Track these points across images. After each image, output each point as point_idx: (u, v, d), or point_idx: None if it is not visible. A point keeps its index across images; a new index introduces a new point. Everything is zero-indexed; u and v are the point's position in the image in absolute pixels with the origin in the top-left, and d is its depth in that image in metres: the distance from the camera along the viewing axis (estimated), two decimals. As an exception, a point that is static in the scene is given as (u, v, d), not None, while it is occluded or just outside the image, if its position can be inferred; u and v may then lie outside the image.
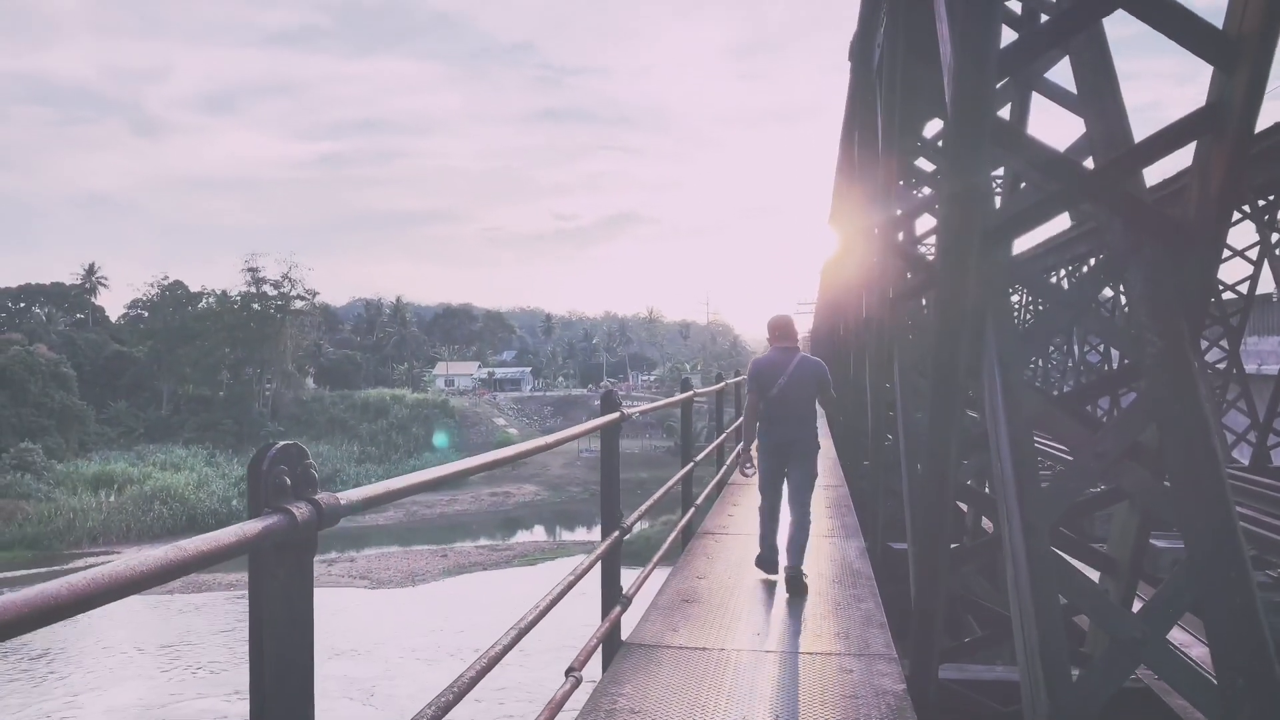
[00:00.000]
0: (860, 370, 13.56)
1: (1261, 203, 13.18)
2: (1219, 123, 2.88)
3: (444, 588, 36.37)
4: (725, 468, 11.01)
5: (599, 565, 4.64)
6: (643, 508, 5.51)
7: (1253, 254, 15.32)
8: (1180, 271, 3.09)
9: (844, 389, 18.17)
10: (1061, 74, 4.02)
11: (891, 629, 5.36)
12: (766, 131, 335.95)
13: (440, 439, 66.01)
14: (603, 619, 4.74)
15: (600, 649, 4.74)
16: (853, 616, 5.62)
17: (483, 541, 46.80)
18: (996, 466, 2.99)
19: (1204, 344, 16.94)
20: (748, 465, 6.77)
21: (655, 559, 5.94)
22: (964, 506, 7.95)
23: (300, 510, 1.84)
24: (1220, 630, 2.60)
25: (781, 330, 6.56)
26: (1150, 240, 3.14)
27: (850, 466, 13.38)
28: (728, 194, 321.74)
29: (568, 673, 3.95)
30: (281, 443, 1.87)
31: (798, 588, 6.11)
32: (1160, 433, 2.99)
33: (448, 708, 2.46)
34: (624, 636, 5.18)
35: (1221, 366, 16.59)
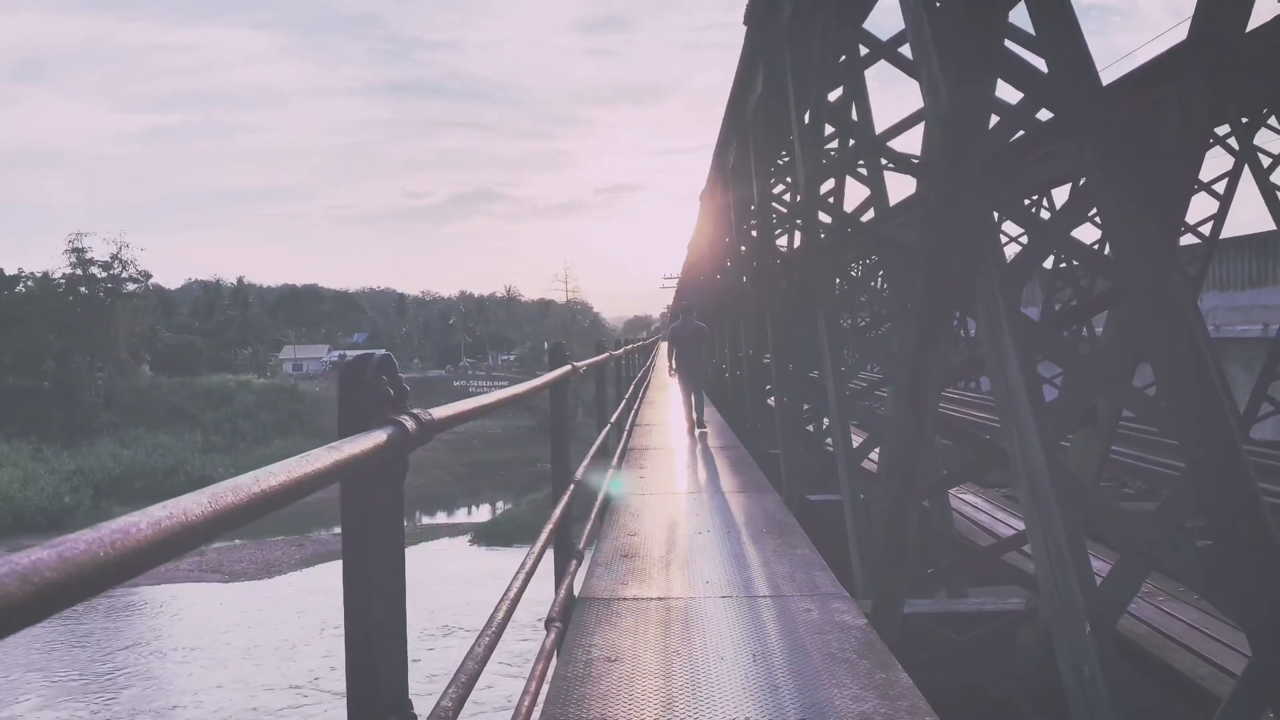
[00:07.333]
0: (739, 339, 13.82)
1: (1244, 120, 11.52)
2: (1201, 58, 3.03)
3: (303, 577, 35.06)
4: (627, 433, 11.01)
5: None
6: (589, 456, 5.45)
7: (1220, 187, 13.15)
8: (1156, 198, 3.25)
9: (721, 360, 18.48)
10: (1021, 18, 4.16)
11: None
12: (620, 110, 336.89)
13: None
14: (561, 574, 4.66)
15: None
16: (793, 561, 5.72)
17: (339, 530, 45.30)
18: (1002, 389, 3.08)
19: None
20: (672, 372, 13.09)
21: (595, 506, 5.89)
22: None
23: (409, 423, 1.70)
24: (1222, 524, 2.76)
25: (685, 308, 13.02)
26: (1127, 168, 3.29)
27: (738, 429, 13.64)
28: (585, 172, 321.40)
29: (548, 624, 3.88)
30: (381, 351, 1.73)
31: (701, 429, 12.31)
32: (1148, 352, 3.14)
33: (469, 685, 2.07)
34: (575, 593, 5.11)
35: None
